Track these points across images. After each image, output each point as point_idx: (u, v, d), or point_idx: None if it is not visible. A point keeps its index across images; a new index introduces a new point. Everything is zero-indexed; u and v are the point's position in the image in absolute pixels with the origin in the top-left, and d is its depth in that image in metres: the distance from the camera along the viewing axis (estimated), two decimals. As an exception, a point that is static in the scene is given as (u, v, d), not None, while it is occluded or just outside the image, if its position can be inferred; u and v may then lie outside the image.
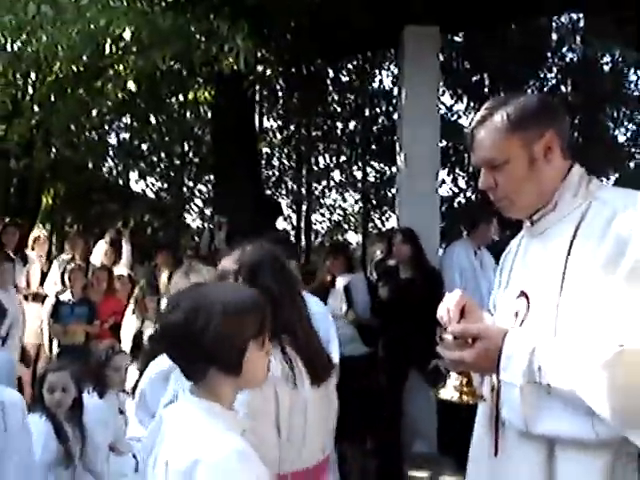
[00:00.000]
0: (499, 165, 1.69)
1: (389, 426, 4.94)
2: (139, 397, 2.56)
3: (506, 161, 1.68)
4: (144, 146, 14.46)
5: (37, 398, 3.34)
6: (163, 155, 14.80)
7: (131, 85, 5.53)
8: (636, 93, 12.33)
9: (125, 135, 13.93)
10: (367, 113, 12.33)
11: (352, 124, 12.69)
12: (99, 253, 7.04)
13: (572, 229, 1.64)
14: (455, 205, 12.08)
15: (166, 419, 1.56)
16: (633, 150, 12.65)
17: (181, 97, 12.29)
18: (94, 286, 6.16)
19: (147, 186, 15.72)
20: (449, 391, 1.65)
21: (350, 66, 11.73)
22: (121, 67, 5.83)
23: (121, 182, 15.53)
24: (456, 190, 12.22)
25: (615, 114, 12.46)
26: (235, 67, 5.42)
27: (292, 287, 1.99)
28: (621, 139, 12.61)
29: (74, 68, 5.95)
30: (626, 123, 12.64)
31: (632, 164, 12.26)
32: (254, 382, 1.59)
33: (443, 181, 11.32)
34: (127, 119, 13.01)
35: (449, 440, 4.67)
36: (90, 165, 13.81)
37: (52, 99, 7.26)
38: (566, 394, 1.46)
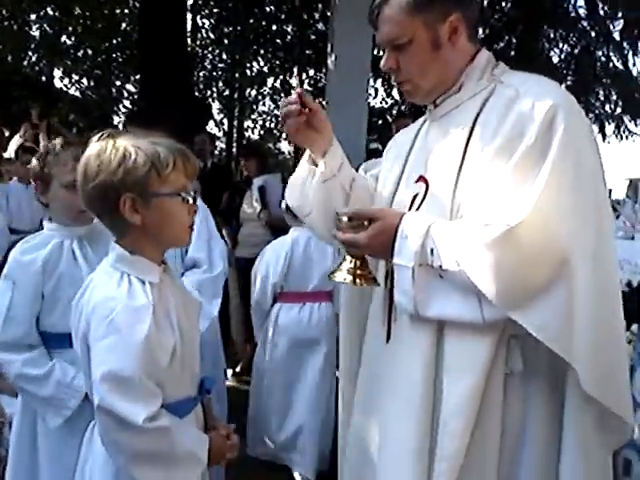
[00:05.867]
0: (402, 45, 1.64)
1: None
2: None
3: (409, 41, 1.63)
4: (68, 41, 13.69)
5: None
6: (89, 51, 14.06)
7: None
8: (573, 14, 12.33)
9: (48, 29, 13.09)
10: (304, 17, 11.91)
11: (288, 28, 12.27)
12: (13, 146, 6.71)
13: (475, 111, 1.62)
14: (388, 118, 12.01)
15: None
16: (565, 72, 12.77)
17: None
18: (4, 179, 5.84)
19: (72, 84, 15.03)
20: (343, 274, 1.62)
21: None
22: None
23: (44, 79, 14.78)
24: (390, 102, 12.13)
25: (552, 34, 12.47)
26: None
27: None
28: (555, 60, 12.71)
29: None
30: (561, 44, 12.70)
31: (563, 86, 12.41)
32: None
33: (376, 91, 11.21)
34: (50, 11, 12.22)
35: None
36: (9, 58, 13.07)
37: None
38: (456, 276, 1.45)
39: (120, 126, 14.61)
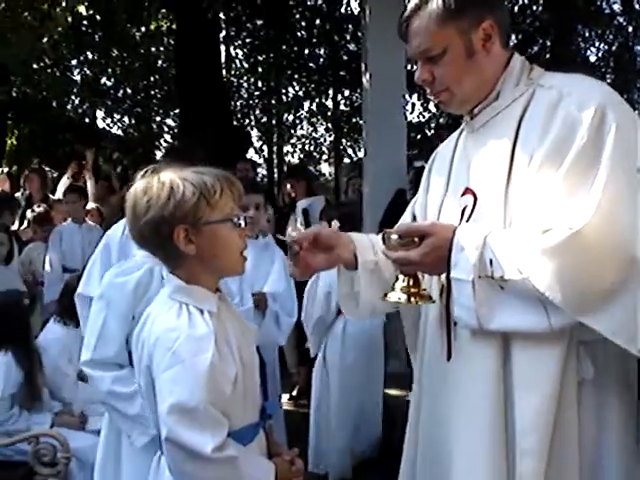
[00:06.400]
0: (436, 56, 1.61)
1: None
2: None
3: (443, 51, 1.60)
4: (108, 82, 14.09)
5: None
6: (129, 90, 14.45)
7: (81, 9, 5.26)
8: (607, 11, 12.12)
9: (88, 72, 13.50)
10: (335, 39, 12.00)
11: (321, 51, 12.37)
12: (62, 188, 6.92)
13: (517, 117, 1.59)
14: (427, 132, 11.96)
15: None
16: (604, 70, 12.52)
17: (143, 29, 11.91)
18: (54, 220, 5.99)
19: (114, 123, 15.43)
20: (396, 293, 1.58)
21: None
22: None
23: (87, 120, 15.20)
24: (427, 116, 12.08)
25: (587, 34, 12.26)
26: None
27: None
28: (592, 59, 12.49)
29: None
30: (597, 43, 12.48)
31: (604, 84, 12.16)
32: None
33: (413, 106, 11.19)
34: (89, 54, 12.61)
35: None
36: (54, 104, 13.50)
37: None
38: (519, 285, 1.41)
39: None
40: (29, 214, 6.09)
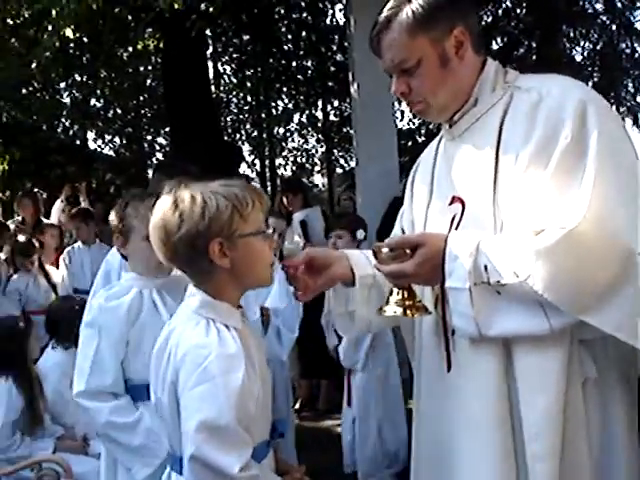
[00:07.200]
0: (411, 68, 1.61)
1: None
2: None
3: (418, 62, 1.59)
4: (98, 104, 14.13)
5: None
6: (119, 111, 14.48)
7: (68, 32, 5.27)
8: (590, 11, 12.19)
9: (77, 94, 13.54)
10: (322, 50, 12.05)
11: (308, 63, 12.42)
12: (56, 211, 6.91)
13: (497, 122, 1.59)
14: (417, 139, 11.99)
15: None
16: (591, 69, 12.58)
17: (130, 49, 11.92)
18: (45, 244, 5.95)
19: (105, 144, 15.47)
20: (392, 307, 1.56)
21: (300, 2, 11.39)
22: (54, 13, 5.49)
23: (78, 142, 15.23)
24: (417, 122, 12.10)
25: (571, 34, 12.32)
26: (175, 5, 5.25)
27: None
28: (578, 58, 12.55)
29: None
30: (582, 42, 12.54)
31: (590, 83, 12.22)
32: None
33: (402, 113, 11.23)
34: (77, 77, 12.64)
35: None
36: (44, 127, 13.52)
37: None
38: (516, 289, 1.41)
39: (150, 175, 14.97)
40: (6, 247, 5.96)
